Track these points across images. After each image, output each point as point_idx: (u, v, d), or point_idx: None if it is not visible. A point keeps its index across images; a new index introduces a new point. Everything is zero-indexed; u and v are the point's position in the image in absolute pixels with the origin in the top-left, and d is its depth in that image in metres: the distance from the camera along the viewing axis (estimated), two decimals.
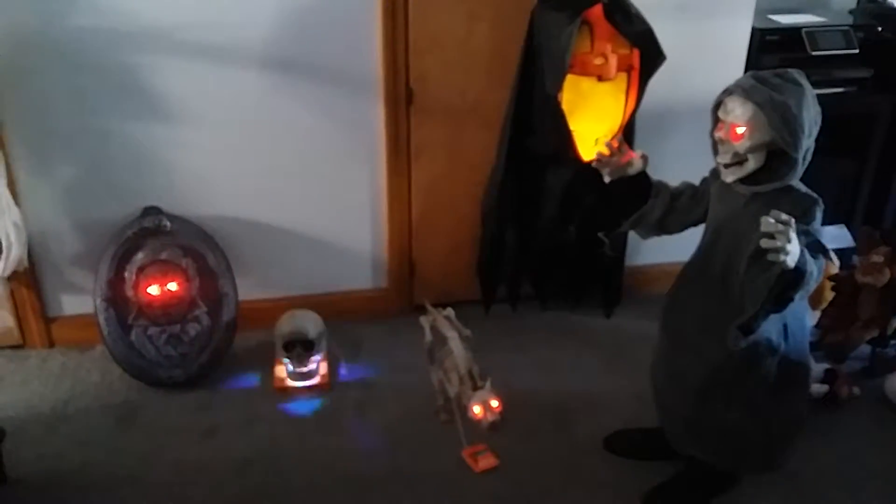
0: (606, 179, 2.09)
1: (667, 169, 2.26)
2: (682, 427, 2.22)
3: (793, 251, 1.64)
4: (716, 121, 1.94)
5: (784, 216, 1.63)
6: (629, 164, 2.07)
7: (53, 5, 2.46)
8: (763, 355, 1.98)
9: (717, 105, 1.92)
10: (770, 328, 1.95)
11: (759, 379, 2.01)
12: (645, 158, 2.08)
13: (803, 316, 2.05)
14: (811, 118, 1.84)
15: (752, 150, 1.85)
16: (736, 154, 1.87)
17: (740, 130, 1.84)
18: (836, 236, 1.87)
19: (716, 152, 1.96)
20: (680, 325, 2.13)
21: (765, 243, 1.63)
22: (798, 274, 1.69)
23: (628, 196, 2.13)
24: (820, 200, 1.87)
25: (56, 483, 2.32)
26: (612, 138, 2.08)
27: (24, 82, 2.54)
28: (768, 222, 1.62)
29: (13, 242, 2.57)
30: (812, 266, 1.72)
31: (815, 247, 1.79)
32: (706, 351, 2.02)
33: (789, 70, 1.88)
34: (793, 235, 1.64)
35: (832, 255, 2.94)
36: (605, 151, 2.06)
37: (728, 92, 1.89)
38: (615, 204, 2.15)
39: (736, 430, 2.09)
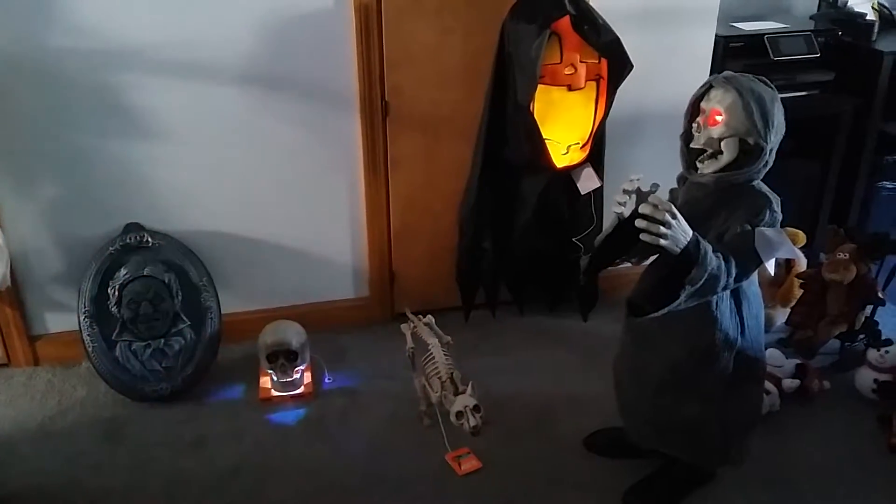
0: (625, 214, 1.95)
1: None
2: (641, 421, 2.27)
3: (672, 236, 1.70)
4: (693, 116, 1.99)
5: (664, 202, 1.70)
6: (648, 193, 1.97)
7: (32, 25, 2.47)
8: (721, 350, 2.03)
9: (700, 97, 1.97)
10: (727, 324, 2.02)
11: (716, 373, 2.07)
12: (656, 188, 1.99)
13: (759, 312, 2.11)
14: (779, 119, 1.92)
15: (725, 136, 1.90)
16: (710, 140, 1.92)
17: (719, 117, 1.90)
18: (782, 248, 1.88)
19: (684, 158, 2.02)
20: (642, 322, 2.16)
21: (638, 223, 1.70)
22: (688, 259, 1.75)
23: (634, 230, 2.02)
24: (773, 201, 1.92)
25: (44, 499, 2.32)
26: (634, 177, 1.93)
27: (3, 101, 2.54)
28: (645, 205, 1.68)
29: None
30: (709, 258, 1.77)
31: (743, 250, 1.84)
32: (667, 347, 2.07)
33: (762, 77, 1.96)
34: (674, 221, 1.70)
35: (798, 253, 3.01)
36: (630, 187, 1.93)
37: (709, 84, 1.95)
38: (627, 239, 2.00)
39: (693, 424, 2.14)
